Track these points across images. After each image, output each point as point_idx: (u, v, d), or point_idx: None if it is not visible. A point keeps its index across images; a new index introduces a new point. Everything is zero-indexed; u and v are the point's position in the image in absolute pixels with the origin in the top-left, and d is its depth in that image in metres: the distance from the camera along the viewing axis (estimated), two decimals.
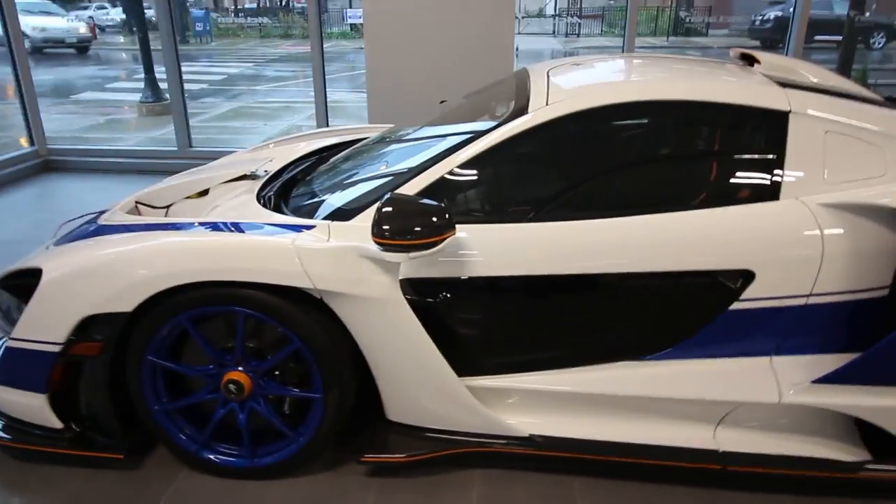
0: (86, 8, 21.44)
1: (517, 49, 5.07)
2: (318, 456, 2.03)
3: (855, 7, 8.79)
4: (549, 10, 24.76)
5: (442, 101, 3.24)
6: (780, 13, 13.78)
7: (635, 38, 4.91)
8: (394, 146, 2.56)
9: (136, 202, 2.59)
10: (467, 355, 1.95)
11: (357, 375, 1.95)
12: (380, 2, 4.57)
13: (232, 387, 1.93)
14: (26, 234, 4.18)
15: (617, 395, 1.91)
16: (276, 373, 1.98)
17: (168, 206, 2.68)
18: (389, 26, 4.58)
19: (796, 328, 1.84)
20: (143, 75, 8.96)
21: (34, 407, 2.00)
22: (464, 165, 1.99)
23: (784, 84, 2.07)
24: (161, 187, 2.74)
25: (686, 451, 1.88)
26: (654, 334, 1.92)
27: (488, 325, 1.98)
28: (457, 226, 1.76)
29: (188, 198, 2.73)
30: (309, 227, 1.96)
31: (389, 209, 1.74)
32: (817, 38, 12.10)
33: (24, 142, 5.95)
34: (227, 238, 1.90)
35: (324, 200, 2.20)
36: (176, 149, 5.74)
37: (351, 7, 21.55)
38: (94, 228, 2.23)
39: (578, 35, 20.65)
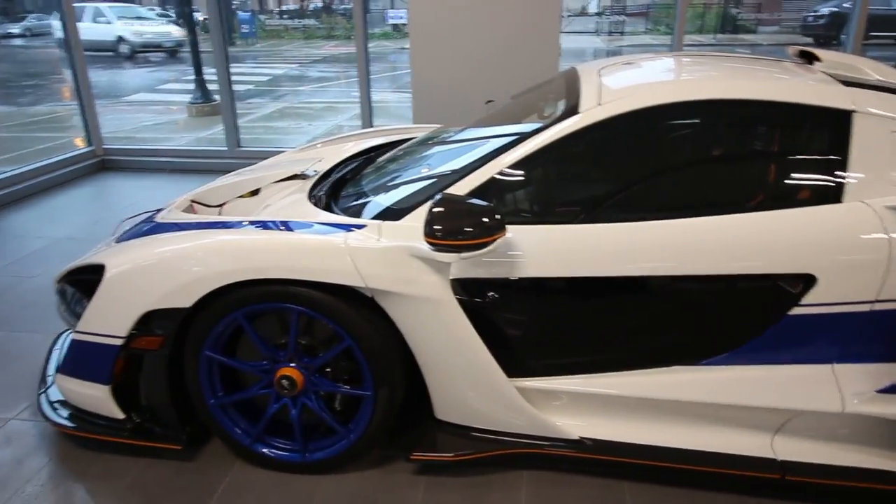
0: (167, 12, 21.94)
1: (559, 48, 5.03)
2: (367, 452, 2.06)
3: None
4: (592, 8, 24.47)
5: (488, 101, 3.24)
6: (834, 9, 13.31)
7: (684, 35, 4.81)
8: (442, 146, 2.57)
9: (192, 201, 2.67)
10: (516, 356, 1.95)
11: (406, 374, 1.97)
12: (425, 2, 4.59)
13: (285, 382, 1.97)
14: (84, 231, 4.34)
15: (671, 400, 1.88)
16: (328, 370, 2.01)
17: (221, 205, 2.75)
18: (435, 26, 4.59)
19: (860, 335, 1.78)
20: (192, 77, 9.23)
21: (98, 398, 2.08)
22: (514, 166, 1.98)
23: (847, 82, 2.01)
24: (215, 186, 2.81)
25: (742, 459, 1.84)
26: (711, 339, 1.88)
27: (538, 327, 1.97)
28: (507, 226, 1.76)
29: (240, 197, 2.80)
30: (359, 227, 1.98)
31: (441, 209, 1.75)
32: (873, 34, 11.66)
33: (79, 142, 6.18)
34: (281, 237, 1.94)
35: (373, 200, 2.22)
36: (225, 148, 5.89)
37: (392, 7, 21.70)
38: (152, 226, 2.31)
39: (622, 34, 20.32)
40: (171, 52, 17.34)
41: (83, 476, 2.09)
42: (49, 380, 2.37)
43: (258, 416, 2.07)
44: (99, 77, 13.53)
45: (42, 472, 2.11)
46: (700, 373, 1.87)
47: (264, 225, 2.07)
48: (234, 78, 5.78)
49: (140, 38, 17.08)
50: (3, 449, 2.22)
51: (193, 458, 2.14)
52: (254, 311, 1.93)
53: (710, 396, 1.85)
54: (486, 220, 1.73)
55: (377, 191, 2.30)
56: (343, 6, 23.63)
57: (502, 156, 2.00)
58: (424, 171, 2.33)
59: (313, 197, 2.40)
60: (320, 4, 25.30)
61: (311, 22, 22.70)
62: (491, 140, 2.21)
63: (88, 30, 16.77)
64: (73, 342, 2.09)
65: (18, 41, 20.29)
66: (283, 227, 2.03)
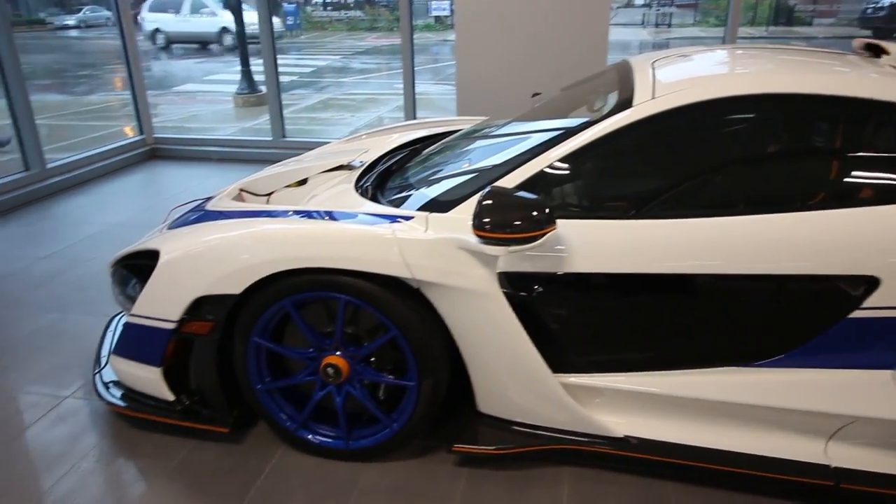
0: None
1: None
2: (409, 442, 2.07)
3: None
4: (639, 0, 23.96)
5: (534, 95, 3.21)
6: None
7: (738, 27, 4.67)
8: (490, 139, 2.56)
9: (241, 189, 2.72)
10: (562, 352, 1.93)
11: (450, 366, 1.97)
12: None
13: (330, 370, 1.99)
14: (135, 217, 4.47)
15: (722, 402, 1.83)
16: (373, 359, 2.03)
17: (269, 194, 2.79)
18: (481, 17, 4.56)
19: None
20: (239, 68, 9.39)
21: (149, 379, 2.14)
22: (564, 159, 1.96)
23: None
24: (263, 175, 2.85)
25: (794, 465, 1.79)
26: (766, 340, 1.82)
27: (585, 323, 1.94)
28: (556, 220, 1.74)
29: (287, 186, 2.83)
30: (406, 218, 1.99)
31: (490, 202, 1.73)
32: None
33: (128, 131, 6.36)
34: (330, 227, 1.96)
35: (420, 191, 2.22)
36: (270, 138, 5.98)
37: None
38: (203, 213, 2.36)
39: (669, 25, 19.85)
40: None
41: (134, 454, 2.16)
42: (103, 361, 2.46)
43: (303, 403, 2.10)
44: (153, 69, 13.90)
45: (96, 449, 2.18)
46: (753, 374, 1.82)
47: (308, 214, 2.09)
48: (279, 69, 5.85)
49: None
50: (59, 426, 2.31)
51: (240, 442, 2.19)
52: (302, 299, 1.95)
53: (762, 399, 1.80)
54: (535, 213, 1.71)
55: (424, 182, 2.30)
56: None
57: (552, 149, 1.97)
58: (472, 164, 2.32)
59: (360, 187, 2.41)
60: None
61: (355, 13, 22.83)
62: (540, 133, 2.19)
63: (186, 22, 17.00)
64: (127, 325, 2.16)
65: (74, 32, 20.98)
66: (327, 217, 2.05)
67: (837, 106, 1.89)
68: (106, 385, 2.33)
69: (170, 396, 2.14)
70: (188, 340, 2.09)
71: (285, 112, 5.96)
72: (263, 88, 6.63)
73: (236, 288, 1.94)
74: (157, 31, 17.25)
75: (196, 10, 16.95)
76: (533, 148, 2.03)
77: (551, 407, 1.92)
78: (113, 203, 4.81)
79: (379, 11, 22.83)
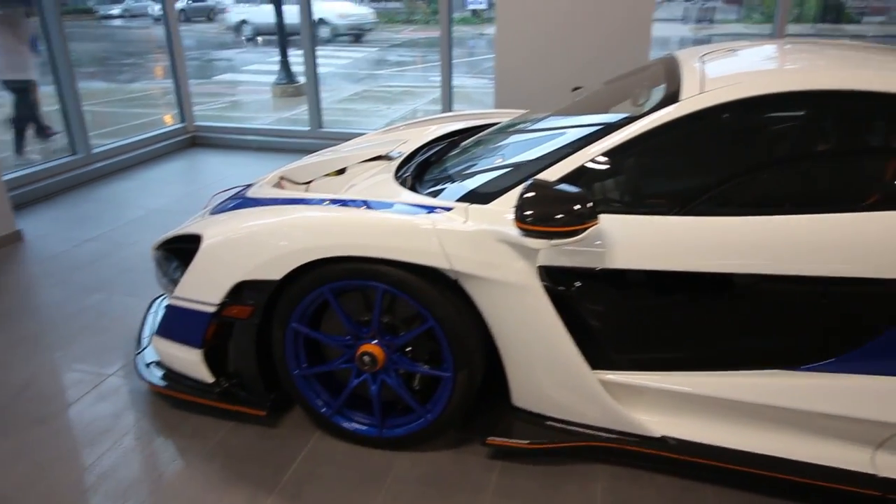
0: None
1: None
2: (443, 433, 2.07)
3: None
4: None
5: (574, 89, 3.16)
6: None
7: (786, 24, 4.54)
8: (530, 132, 2.53)
9: (281, 177, 2.75)
10: (601, 348, 1.90)
11: (486, 358, 1.96)
12: None
13: (366, 358, 2.00)
14: (177, 203, 4.56)
15: (765, 405, 1.79)
16: (409, 349, 2.03)
17: (308, 183, 2.82)
18: (522, 10, 4.52)
19: None
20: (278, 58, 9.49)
21: (190, 360, 2.18)
22: (608, 154, 1.93)
23: None
24: (303, 164, 2.88)
25: (839, 473, 1.74)
26: (813, 343, 1.77)
27: (624, 320, 1.91)
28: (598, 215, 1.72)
29: (326, 175, 2.86)
30: (445, 209, 1.98)
31: (532, 195, 1.72)
32: None
33: (168, 119, 6.48)
34: (370, 216, 1.96)
35: (459, 182, 2.22)
36: (308, 128, 6.03)
37: None
38: (243, 200, 2.39)
39: (711, 21, 19.40)
40: (358, 36, 16.22)
41: (173, 434, 2.21)
42: (144, 341, 2.52)
43: (339, 390, 2.12)
44: (191, 58, 14.12)
45: (136, 427, 2.24)
46: (799, 378, 1.77)
47: (344, 203, 2.10)
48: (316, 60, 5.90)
49: (345, 20, 15.95)
50: (102, 403, 2.37)
51: (276, 425, 2.22)
52: (340, 287, 1.96)
53: (809, 404, 1.75)
54: (578, 207, 1.69)
55: (463, 174, 2.29)
56: None
57: (596, 143, 1.95)
58: (513, 156, 2.30)
59: (399, 178, 2.42)
60: None
61: (393, 5, 22.84)
62: (582, 127, 2.16)
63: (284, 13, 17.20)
64: (170, 307, 2.20)
65: (118, 21, 21.46)
66: (363, 206, 2.05)
67: (893, 104, 1.82)
68: (147, 365, 2.39)
69: (209, 378, 2.18)
70: (228, 324, 2.12)
71: (322, 103, 6.00)
72: (301, 79, 6.68)
73: (276, 274, 1.96)
74: (243, 22, 17.36)
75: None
76: (576, 141, 2.01)
77: (588, 403, 1.90)
78: (155, 188, 4.91)
79: (417, 4, 22.82)
